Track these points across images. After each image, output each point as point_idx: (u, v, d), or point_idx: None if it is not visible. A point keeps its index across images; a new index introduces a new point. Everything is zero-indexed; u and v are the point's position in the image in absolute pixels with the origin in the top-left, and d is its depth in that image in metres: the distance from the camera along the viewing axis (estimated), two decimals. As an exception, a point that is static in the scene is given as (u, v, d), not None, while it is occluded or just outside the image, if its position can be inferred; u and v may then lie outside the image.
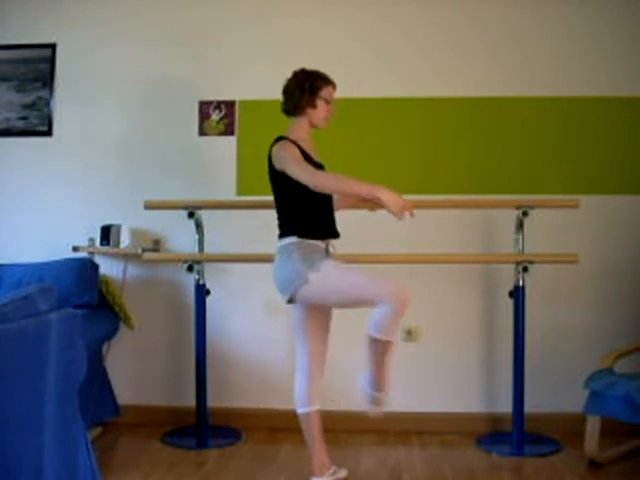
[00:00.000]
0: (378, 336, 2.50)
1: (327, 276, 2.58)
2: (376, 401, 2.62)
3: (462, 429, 3.56)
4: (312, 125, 2.78)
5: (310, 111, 2.74)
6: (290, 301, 2.67)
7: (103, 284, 3.60)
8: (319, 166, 2.78)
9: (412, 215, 2.49)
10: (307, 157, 2.71)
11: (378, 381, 2.60)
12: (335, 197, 2.87)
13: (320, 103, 2.74)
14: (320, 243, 2.71)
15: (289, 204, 2.74)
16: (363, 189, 2.50)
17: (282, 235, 2.74)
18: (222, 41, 3.76)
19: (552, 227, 3.53)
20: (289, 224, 2.72)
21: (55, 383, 1.93)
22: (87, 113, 3.81)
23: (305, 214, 2.72)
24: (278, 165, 2.68)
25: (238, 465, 3.12)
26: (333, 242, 2.78)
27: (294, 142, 2.71)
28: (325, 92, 2.74)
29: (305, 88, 2.71)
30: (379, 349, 2.53)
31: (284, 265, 2.66)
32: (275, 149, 2.70)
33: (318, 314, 2.79)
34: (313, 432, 2.77)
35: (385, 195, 2.46)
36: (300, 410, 2.78)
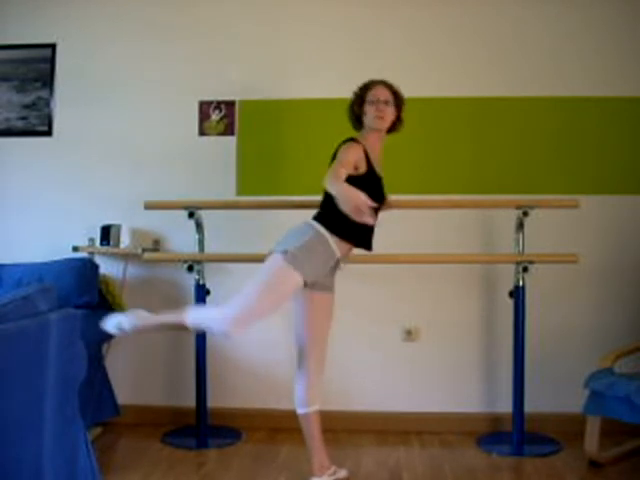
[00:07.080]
0: (187, 321, 2.72)
1: (270, 262, 2.67)
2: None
3: (462, 429, 3.55)
4: (371, 129, 2.78)
5: (364, 118, 2.79)
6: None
7: (103, 284, 3.60)
8: (378, 178, 2.79)
9: (370, 216, 2.39)
10: (370, 166, 2.71)
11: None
12: None
13: (368, 108, 2.77)
14: (337, 250, 2.68)
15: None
16: (333, 189, 2.47)
17: (315, 218, 2.73)
18: (222, 41, 3.76)
19: (552, 227, 3.53)
20: (327, 217, 2.69)
21: (55, 383, 1.93)
22: (87, 113, 3.81)
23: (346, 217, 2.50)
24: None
25: (238, 465, 3.12)
26: (343, 266, 2.78)
27: (362, 145, 2.72)
28: (369, 95, 2.78)
29: (355, 103, 2.81)
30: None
31: (294, 235, 2.68)
32: (340, 149, 2.70)
33: (321, 309, 2.80)
34: (313, 432, 2.78)
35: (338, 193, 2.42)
36: (300, 410, 2.79)
